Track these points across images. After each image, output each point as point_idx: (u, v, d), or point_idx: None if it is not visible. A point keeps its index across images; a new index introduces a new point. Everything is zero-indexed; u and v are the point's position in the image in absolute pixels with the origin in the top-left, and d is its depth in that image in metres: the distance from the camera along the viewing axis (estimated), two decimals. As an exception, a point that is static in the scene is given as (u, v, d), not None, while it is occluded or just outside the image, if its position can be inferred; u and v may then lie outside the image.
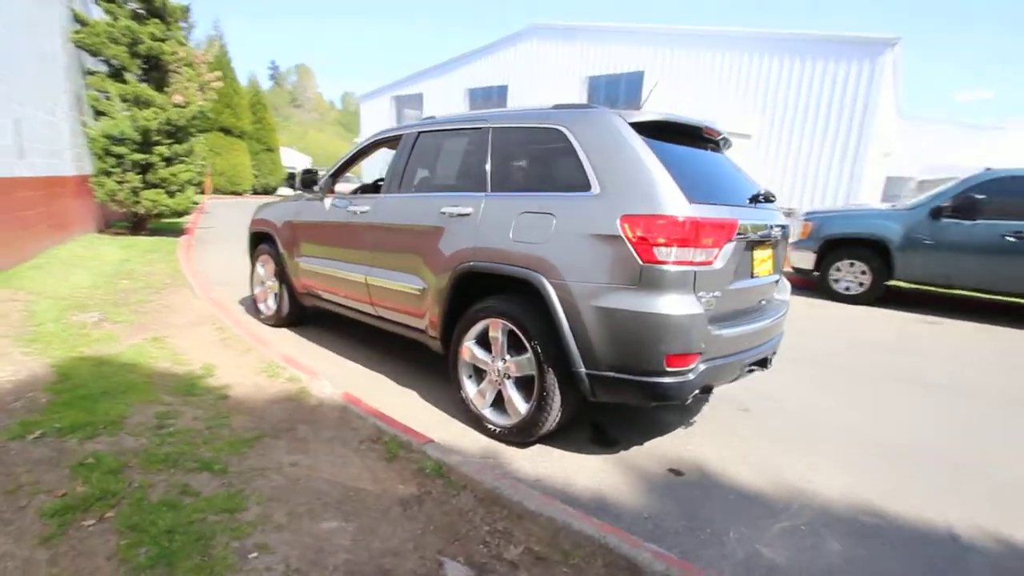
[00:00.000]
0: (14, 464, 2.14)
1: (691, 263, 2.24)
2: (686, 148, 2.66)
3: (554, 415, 2.54)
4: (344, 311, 3.93)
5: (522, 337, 2.58)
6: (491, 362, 2.77)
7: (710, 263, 2.31)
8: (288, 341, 4.31)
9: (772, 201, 2.91)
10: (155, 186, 8.90)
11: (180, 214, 9.71)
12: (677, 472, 2.55)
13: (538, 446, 2.70)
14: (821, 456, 2.76)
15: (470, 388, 2.90)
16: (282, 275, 4.45)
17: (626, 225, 2.25)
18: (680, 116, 2.67)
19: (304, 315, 4.68)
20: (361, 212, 3.53)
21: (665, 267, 2.21)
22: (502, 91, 20.73)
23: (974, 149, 15.30)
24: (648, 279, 2.22)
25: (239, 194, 27.73)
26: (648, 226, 2.21)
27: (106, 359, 3.44)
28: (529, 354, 2.56)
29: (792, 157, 14.60)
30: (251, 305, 5.05)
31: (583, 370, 2.38)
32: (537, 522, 1.97)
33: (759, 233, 2.62)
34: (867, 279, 6.71)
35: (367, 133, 26.41)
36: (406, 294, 3.20)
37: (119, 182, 8.34)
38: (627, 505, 2.26)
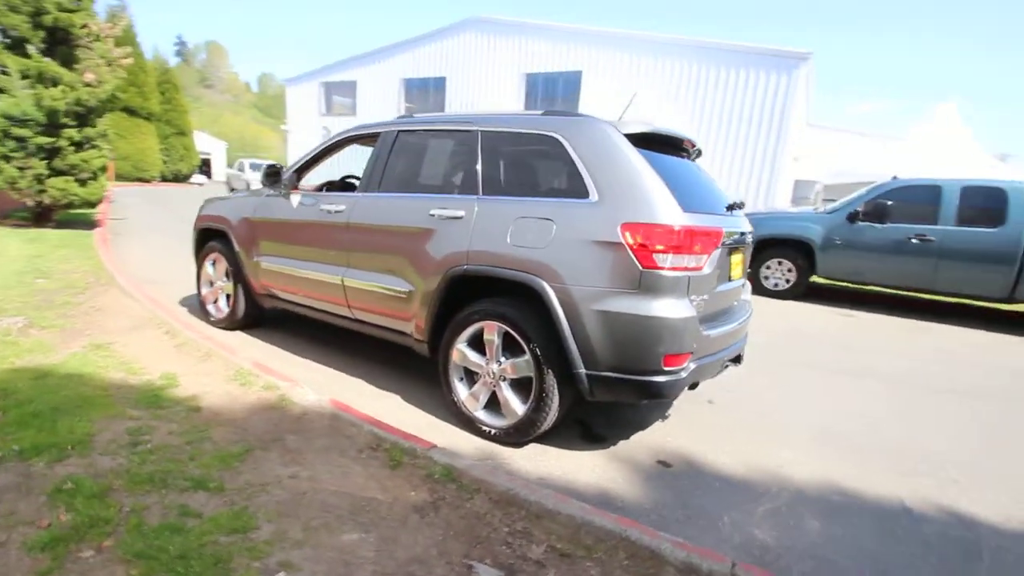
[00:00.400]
0: (-24, 495, 1.91)
1: (685, 268, 2.40)
2: (670, 158, 2.81)
3: (552, 415, 2.62)
4: (313, 314, 3.79)
5: (519, 339, 2.63)
6: (485, 364, 2.80)
7: (700, 268, 2.48)
8: (248, 345, 4.08)
9: (742, 208, 3.15)
10: (63, 173, 8.03)
11: (92, 204, 8.82)
12: (665, 464, 2.72)
13: (533, 446, 2.78)
14: (785, 443, 3.04)
15: (461, 391, 2.92)
16: (237, 275, 4.20)
17: (627, 232, 2.36)
18: (665, 128, 2.82)
19: (260, 317, 4.45)
20: (336, 211, 3.41)
21: (663, 272, 2.34)
22: (440, 83, 20.45)
23: (872, 156, 17.10)
24: (647, 284, 2.35)
25: (146, 181, 25.55)
26: (648, 234, 2.34)
27: (47, 370, 3.11)
28: (527, 356, 2.62)
29: (717, 161, 15.55)
30: (197, 306, 4.72)
31: (583, 371, 2.47)
32: (556, 520, 2.04)
33: (733, 239, 2.83)
34: (793, 276, 7.34)
35: (295, 119, 25.13)
36: (390, 297, 3.14)
37: (21, 168, 7.44)
38: (629, 498, 2.39)
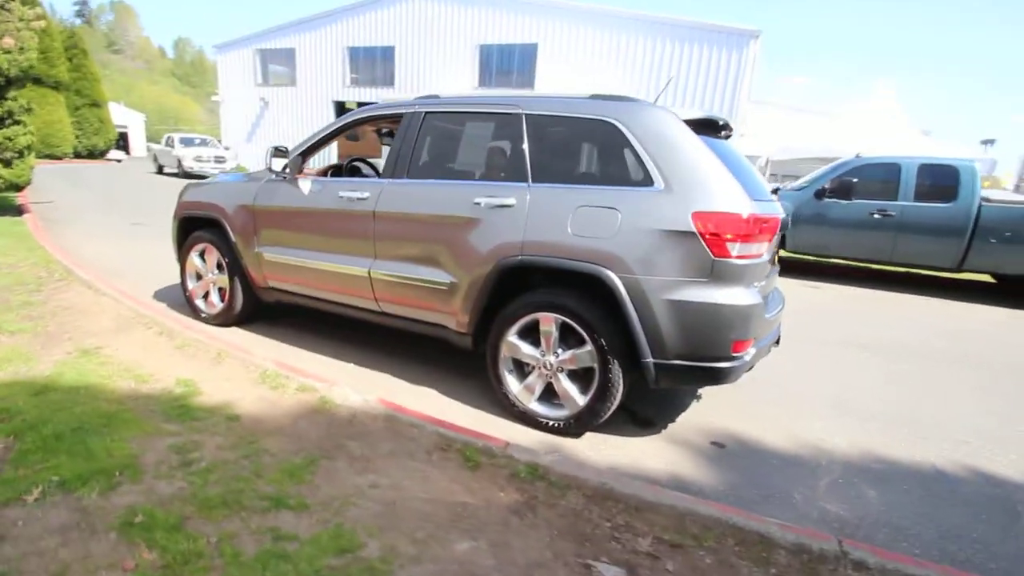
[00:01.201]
0: (36, 538, 1.69)
1: (751, 256, 2.44)
2: (720, 142, 2.82)
3: (615, 404, 2.63)
4: (327, 307, 3.59)
5: (581, 330, 2.60)
6: (541, 356, 2.75)
7: (761, 256, 2.53)
8: (256, 343, 3.81)
9: (776, 194, 3.22)
10: (-18, 152, 7.09)
11: (19, 187, 7.88)
12: (719, 445, 2.80)
13: (591, 435, 2.78)
14: (812, 415, 3.20)
15: (513, 384, 2.86)
16: (233, 267, 3.89)
17: (699, 222, 2.36)
18: (716, 115, 2.82)
19: (257, 311, 4.16)
20: (359, 198, 3.21)
21: (733, 261, 2.37)
22: (388, 53, 19.52)
23: (812, 131, 18.05)
24: (719, 272, 2.37)
25: (57, 158, 23.05)
26: (720, 223, 2.35)
27: (43, 384, 2.78)
28: (590, 347, 2.59)
29: (672, 135, 15.86)
30: (182, 301, 4.35)
31: (651, 360, 2.48)
32: (658, 511, 2.06)
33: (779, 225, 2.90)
34: (764, 250, 7.67)
35: (228, 89, 23.37)
36: (428, 289, 3.01)
37: (-68, 147, 6.49)
38: (701, 482, 2.45)
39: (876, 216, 6.83)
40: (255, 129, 22.62)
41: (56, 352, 3.28)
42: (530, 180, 2.75)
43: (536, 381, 2.80)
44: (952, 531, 2.21)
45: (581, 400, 2.68)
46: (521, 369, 2.89)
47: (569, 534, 1.97)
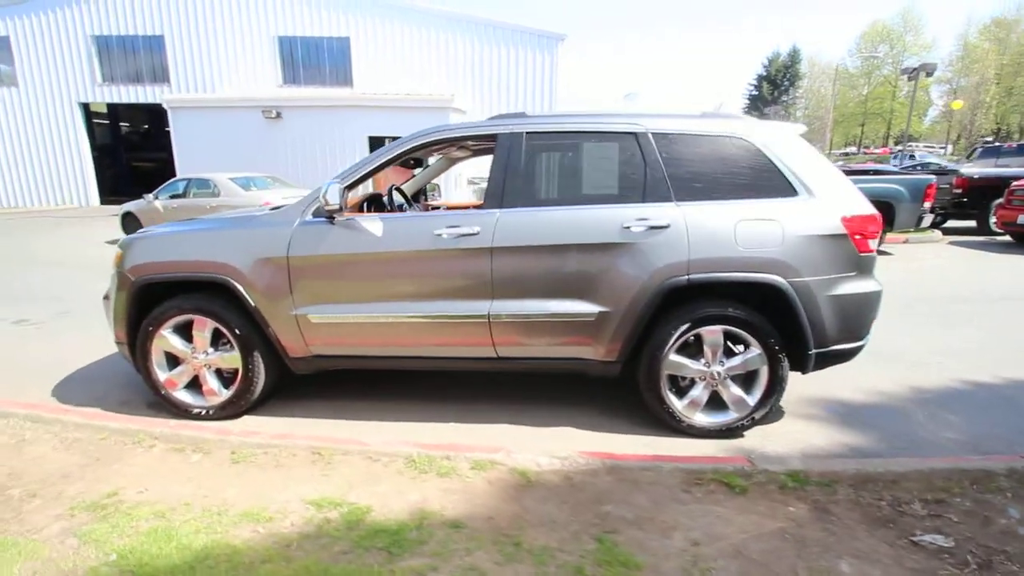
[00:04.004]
0: None
1: (875, 249, 2.90)
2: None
3: (782, 397, 2.88)
4: (406, 365, 3.07)
5: (747, 335, 2.77)
6: (706, 368, 2.84)
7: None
8: (307, 426, 3.02)
9: None
10: None
11: None
12: (828, 411, 3.27)
13: (754, 430, 2.97)
14: (851, 368, 3.81)
15: (677, 401, 2.89)
16: (251, 339, 3.01)
17: (847, 224, 2.72)
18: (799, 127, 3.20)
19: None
20: (467, 234, 2.80)
21: (870, 254, 2.81)
22: (155, 43, 15.98)
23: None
24: (863, 266, 2.79)
25: None
26: (862, 224, 2.75)
27: (125, 569, 1.85)
28: (757, 349, 2.78)
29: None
30: (151, 398, 3.21)
31: (814, 351, 2.79)
32: (908, 479, 2.38)
33: None
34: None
35: None
36: (570, 323, 2.82)
37: None
38: (862, 444, 2.86)
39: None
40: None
41: (52, 526, 2.15)
42: (674, 199, 2.78)
43: (702, 393, 2.88)
44: (1015, 428, 3.03)
45: (752, 400, 2.86)
46: (676, 385, 2.93)
47: (872, 522, 2.16)
